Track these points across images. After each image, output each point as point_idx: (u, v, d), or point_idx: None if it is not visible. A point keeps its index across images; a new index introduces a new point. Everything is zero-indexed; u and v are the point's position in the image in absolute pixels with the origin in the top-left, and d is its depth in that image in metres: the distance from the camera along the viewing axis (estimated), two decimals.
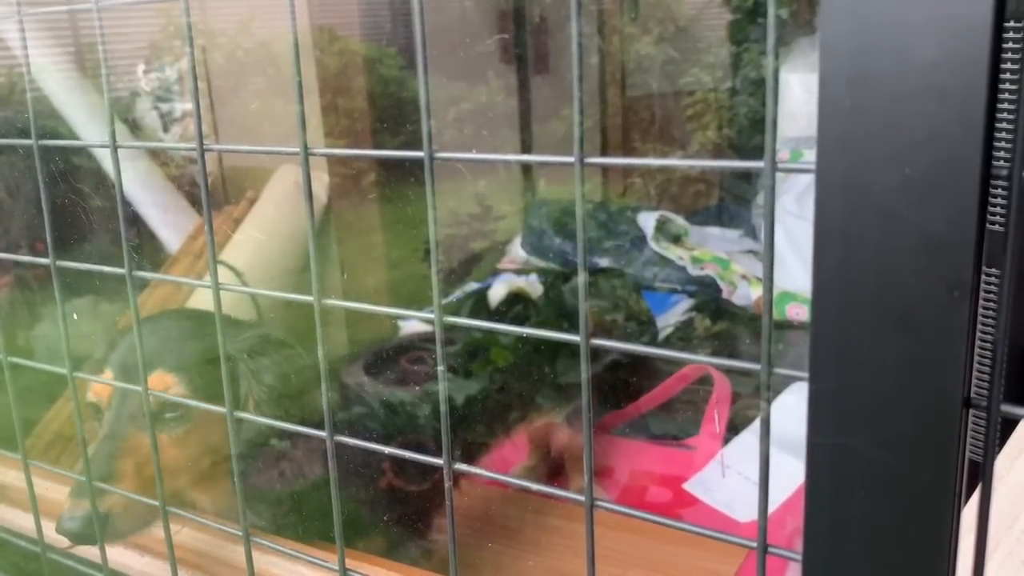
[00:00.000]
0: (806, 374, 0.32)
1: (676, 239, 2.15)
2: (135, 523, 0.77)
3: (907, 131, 0.27)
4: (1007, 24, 0.27)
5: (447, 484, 0.48)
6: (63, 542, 0.85)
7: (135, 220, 1.65)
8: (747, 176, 2.39)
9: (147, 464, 0.79)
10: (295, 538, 0.84)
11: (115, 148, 0.57)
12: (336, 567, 0.56)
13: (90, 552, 0.83)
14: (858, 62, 0.28)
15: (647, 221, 2.13)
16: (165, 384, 0.82)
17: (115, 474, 0.77)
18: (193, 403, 0.79)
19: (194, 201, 1.72)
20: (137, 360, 0.80)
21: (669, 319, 1.85)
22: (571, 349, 1.35)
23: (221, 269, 1.24)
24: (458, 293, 1.76)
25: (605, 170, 2.63)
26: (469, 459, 1.21)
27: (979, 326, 0.30)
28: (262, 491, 0.87)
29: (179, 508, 0.78)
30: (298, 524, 0.88)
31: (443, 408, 0.47)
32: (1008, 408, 0.30)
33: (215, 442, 0.84)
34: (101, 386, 0.83)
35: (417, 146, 0.44)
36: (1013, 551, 0.63)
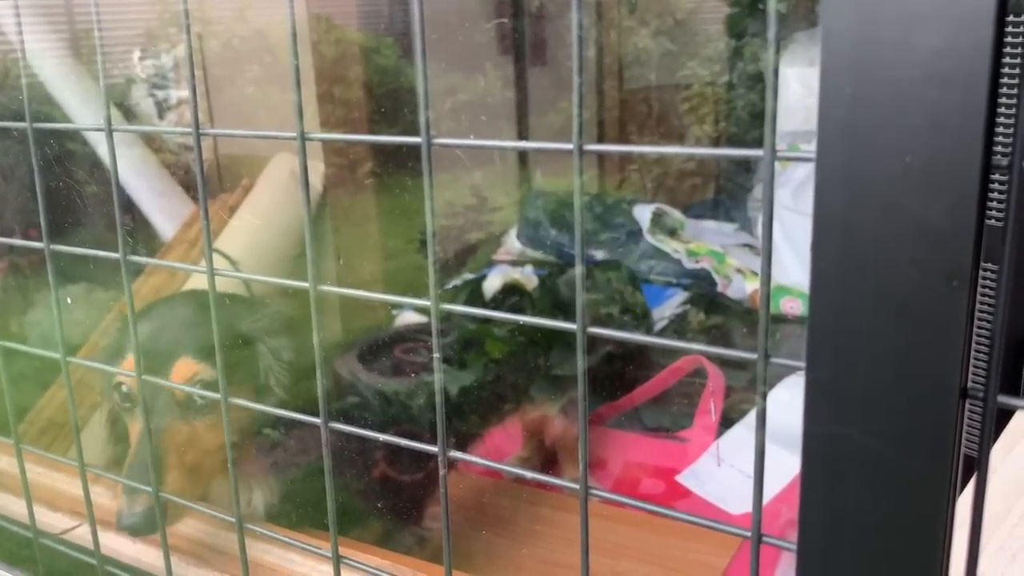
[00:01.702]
0: (802, 364, 0.32)
1: (672, 232, 2.15)
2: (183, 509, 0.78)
3: (908, 119, 0.27)
4: (1008, 19, 0.27)
5: (442, 471, 0.48)
6: (55, 528, 0.85)
7: (129, 207, 1.65)
8: (744, 169, 2.39)
9: (189, 451, 0.80)
10: (290, 525, 0.85)
11: (110, 132, 0.56)
12: (329, 554, 0.56)
13: (82, 539, 0.82)
14: (860, 50, 0.28)
15: (643, 214, 2.12)
16: (192, 371, 0.81)
17: (162, 466, 0.77)
18: (187, 389, 0.79)
19: (189, 188, 1.72)
20: (160, 347, 0.81)
21: (664, 312, 1.85)
22: (566, 340, 1.35)
23: (216, 257, 1.24)
24: (457, 281, 1.76)
25: (602, 162, 2.63)
26: (463, 449, 1.21)
27: (976, 318, 0.30)
28: (275, 474, 0.87)
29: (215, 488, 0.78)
30: (292, 512, 0.88)
31: (438, 397, 0.47)
32: (1004, 399, 0.30)
33: (245, 420, 0.84)
34: (130, 367, 0.81)
35: (414, 135, 0.44)
36: (1005, 545, 0.63)
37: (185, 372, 0.81)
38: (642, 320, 1.69)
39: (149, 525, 0.75)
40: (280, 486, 0.88)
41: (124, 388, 0.83)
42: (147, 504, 0.75)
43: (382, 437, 0.53)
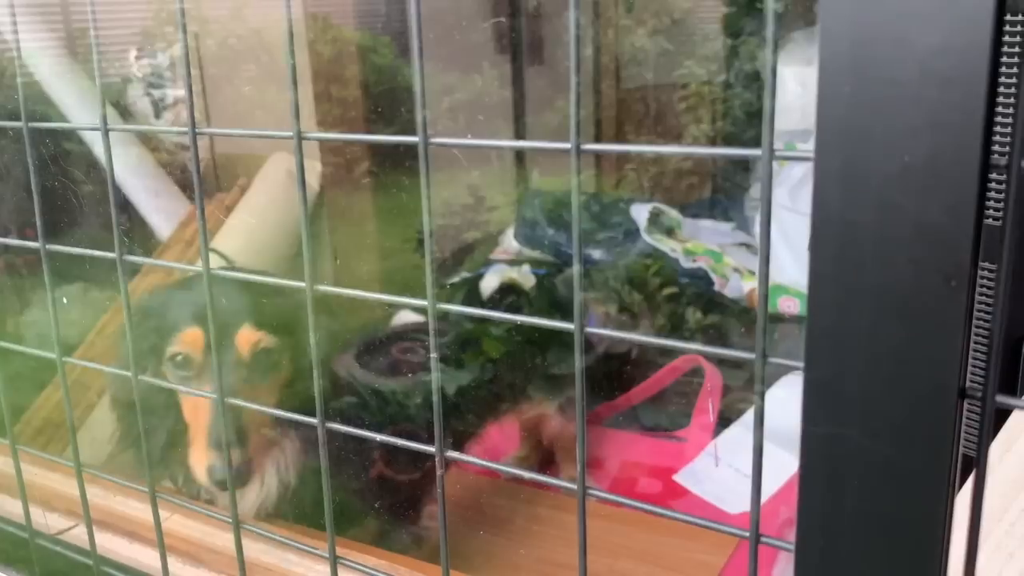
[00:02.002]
0: (800, 364, 0.32)
1: (669, 231, 2.14)
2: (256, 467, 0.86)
3: (907, 119, 0.27)
4: (1007, 18, 0.27)
5: (439, 472, 0.48)
6: (52, 528, 0.85)
7: (126, 206, 1.64)
8: (741, 168, 2.39)
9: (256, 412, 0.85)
10: (303, 513, 0.86)
11: (106, 131, 0.56)
12: (327, 555, 0.56)
13: (79, 539, 0.82)
14: (858, 49, 0.27)
15: (640, 213, 2.12)
16: (254, 338, 0.86)
17: (245, 424, 0.84)
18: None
19: (185, 188, 1.72)
20: (226, 317, 0.86)
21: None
22: (563, 340, 1.35)
23: (212, 256, 1.24)
24: (454, 279, 1.75)
25: (599, 162, 2.62)
26: (460, 449, 1.22)
27: (974, 317, 0.30)
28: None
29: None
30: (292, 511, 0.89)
31: (435, 396, 0.47)
32: (1003, 399, 0.30)
33: (296, 379, 0.91)
34: (192, 337, 0.87)
35: (411, 135, 0.43)
36: (1002, 543, 0.63)
37: (249, 339, 0.86)
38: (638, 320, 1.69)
39: (239, 479, 0.82)
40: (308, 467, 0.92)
41: (180, 358, 0.87)
42: (237, 459, 0.81)
43: (379, 437, 0.52)
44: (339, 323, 1.00)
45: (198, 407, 0.85)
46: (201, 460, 0.83)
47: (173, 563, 0.80)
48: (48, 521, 0.87)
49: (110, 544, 0.82)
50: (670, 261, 1.99)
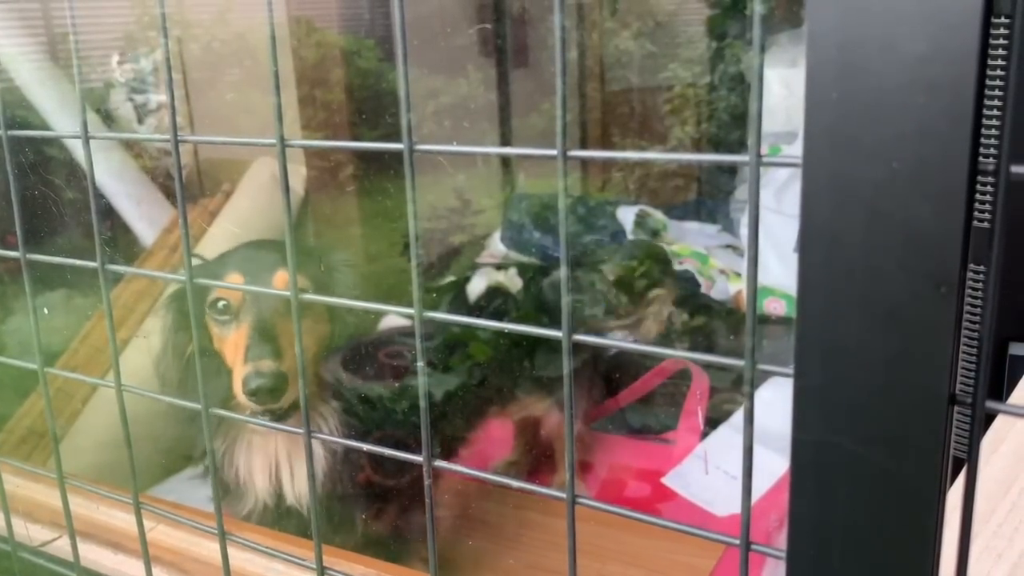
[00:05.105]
0: (790, 370, 0.32)
1: (655, 234, 2.15)
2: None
3: (895, 124, 0.27)
4: (995, 21, 0.27)
5: (427, 481, 0.47)
6: (35, 540, 0.84)
7: (109, 213, 1.63)
8: (726, 171, 2.40)
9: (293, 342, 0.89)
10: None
11: (87, 138, 0.56)
12: (313, 565, 0.56)
13: (62, 550, 0.81)
14: (846, 54, 0.27)
15: (627, 215, 2.13)
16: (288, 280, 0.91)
17: (277, 348, 0.89)
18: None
19: (169, 194, 1.70)
20: (262, 264, 0.96)
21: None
22: (550, 344, 1.35)
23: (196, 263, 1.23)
24: (442, 283, 1.75)
25: (585, 165, 2.63)
26: (449, 454, 1.21)
27: (963, 322, 0.30)
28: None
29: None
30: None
31: (423, 403, 0.47)
32: (992, 404, 0.30)
33: (322, 328, 1.00)
34: (231, 281, 0.94)
35: (396, 139, 0.43)
36: (990, 545, 0.64)
37: (285, 279, 0.94)
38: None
39: (272, 389, 0.86)
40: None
41: (221, 304, 0.94)
42: (271, 369, 0.87)
43: (366, 447, 0.52)
44: (326, 328, 1.01)
45: (236, 344, 0.92)
46: (240, 378, 0.88)
47: (158, 573, 0.79)
48: (31, 533, 0.86)
49: (94, 555, 0.81)
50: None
